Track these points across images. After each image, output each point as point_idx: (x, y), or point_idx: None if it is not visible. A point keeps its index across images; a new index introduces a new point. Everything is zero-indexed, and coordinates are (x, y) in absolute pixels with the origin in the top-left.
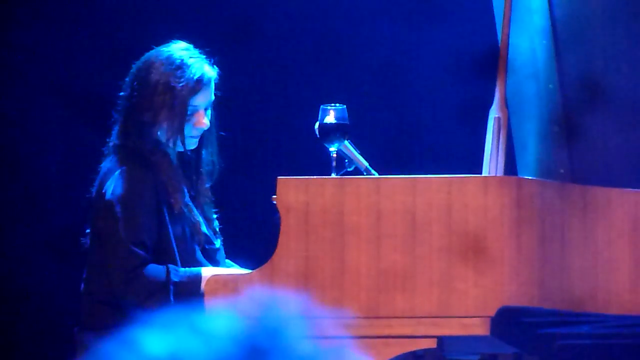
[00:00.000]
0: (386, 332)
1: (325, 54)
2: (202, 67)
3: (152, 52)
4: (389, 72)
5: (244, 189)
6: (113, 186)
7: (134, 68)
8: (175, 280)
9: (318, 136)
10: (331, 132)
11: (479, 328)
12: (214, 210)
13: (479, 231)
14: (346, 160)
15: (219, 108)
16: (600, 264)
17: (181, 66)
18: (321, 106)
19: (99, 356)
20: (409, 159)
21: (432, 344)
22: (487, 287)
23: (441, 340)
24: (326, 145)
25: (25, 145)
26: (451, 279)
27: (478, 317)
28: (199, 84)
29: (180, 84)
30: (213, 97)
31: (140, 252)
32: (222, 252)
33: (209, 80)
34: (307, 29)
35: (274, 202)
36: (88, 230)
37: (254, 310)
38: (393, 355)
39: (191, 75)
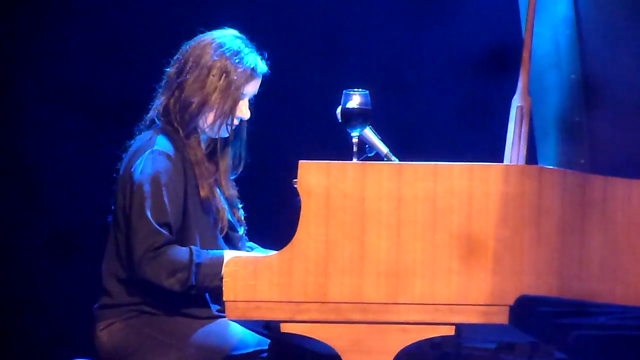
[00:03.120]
0: (404, 318)
1: (345, 39)
2: (256, 58)
3: (207, 34)
4: (405, 62)
5: (265, 172)
6: (143, 165)
7: (187, 47)
8: (198, 261)
9: (340, 121)
10: (353, 117)
11: (498, 316)
12: (238, 199)
13: (499, 219)
14: (367, 146)
15: None
16: (619, 256)
17: (238, 52)
18: (344, 91)
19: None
20: (426, 150)
21: (450, 331)
22: (506, 275)
23: (459, 327)
24: (348, 130)
25: (26, 145)
26: (470, 266)
27: (497, 305)
28: (253, 72)
29: (238, 69)
30: (256, 91)
31: (165, 232)
32: (244, 240)
33: (261, 72)
34: (331, 15)
35: (295, 186)
36: (113, 207)
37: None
38: (411, 341)
39: (248, 64)
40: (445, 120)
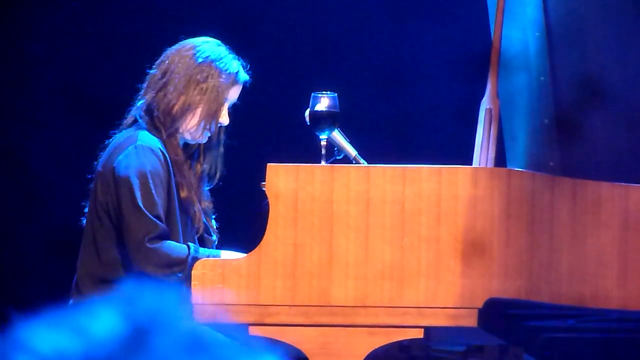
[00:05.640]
0: (372, 321)
1: (318, 44)
2: (239, 64)
3: (189, 40)
4: (382, 66)
5: (232, 175)
6: (127, 161)
7: (172, 50)
8: (195, 255)
9: (308, 123)
10: (322, 119)
11: (466, 319)
12: (212, 210)
13: (468, 222)
14: (335, 149)
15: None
16: (588, 258)
17: (222, 58)
18: (312, 93)
19: None
20: (401, 152)
21: (418, 334)
22: (475, 278)
23: (428, 330)
24: (316, 132)
25: (26, 144)
26: (439, 269)
27: (465, 308)
28: (237, 77)
29: (222, 74)
30: (237, 98)
31: (160, 222)
32: (214, 247)
33: (243, 79)
34: (302, 20)
35: (263, 189)
36: (88, 208)
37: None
38: (379, 344)
39: (232, 69)
40: (434, 115)
